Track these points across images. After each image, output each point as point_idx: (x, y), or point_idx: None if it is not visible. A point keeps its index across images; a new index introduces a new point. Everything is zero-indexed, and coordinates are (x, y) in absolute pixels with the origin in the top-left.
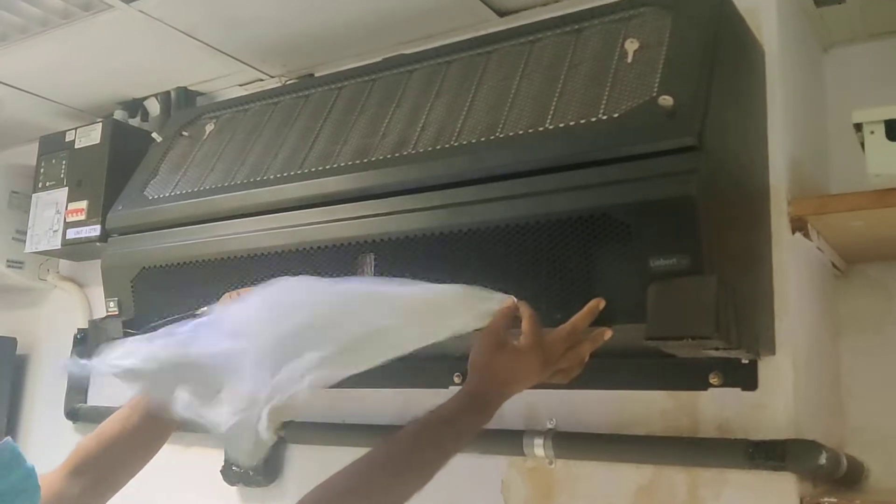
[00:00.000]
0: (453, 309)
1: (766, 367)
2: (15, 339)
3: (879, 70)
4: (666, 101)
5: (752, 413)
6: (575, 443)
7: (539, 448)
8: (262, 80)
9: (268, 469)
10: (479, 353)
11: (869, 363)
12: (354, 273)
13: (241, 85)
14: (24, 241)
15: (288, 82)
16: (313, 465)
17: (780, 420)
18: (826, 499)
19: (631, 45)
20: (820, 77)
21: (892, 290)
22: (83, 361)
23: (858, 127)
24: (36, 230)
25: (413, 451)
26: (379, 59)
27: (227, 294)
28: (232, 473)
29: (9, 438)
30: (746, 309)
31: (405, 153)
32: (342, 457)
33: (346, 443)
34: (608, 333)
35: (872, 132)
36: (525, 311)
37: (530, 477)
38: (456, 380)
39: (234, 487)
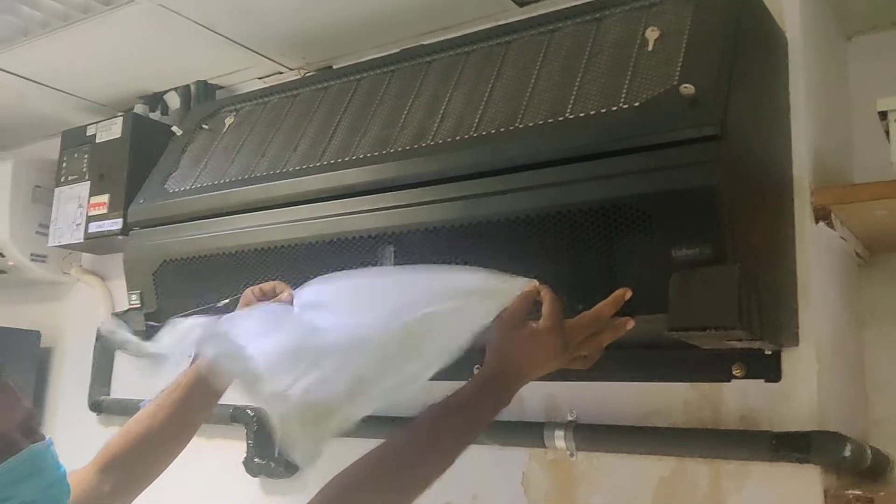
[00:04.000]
0: (474, 299)
1: (789, 359)
2: (39, 332)
3: None
4: (687, 89)
5: (776, 405)
6: (596, 435)
7: (560, 440)
8: (280, 72)
9: (289, 461)
10: (498, 334)
11: (893, 354)
12: (374, 265)
13: (259, 78)
14: (48, 236)
15: (307, 75)
16: (334, 456)
17: (804, 412)
18: (850, 491)
19: (652, 34)
20: (843, 65)
21: None
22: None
23: (883, 115)
24: (59, 224)
25: (432, 436)
26: (397, 50)
27: (248, 289)
28: (254, 465)
29: (48, 440)
30: (769, 299)
31: (424, 144)
32: (362, 448)
33: (366, 434)
34: (630, 324)
35: None
36: (546, 294)
37: (551, 469)
38: (475, 371)
39: (257, 479)
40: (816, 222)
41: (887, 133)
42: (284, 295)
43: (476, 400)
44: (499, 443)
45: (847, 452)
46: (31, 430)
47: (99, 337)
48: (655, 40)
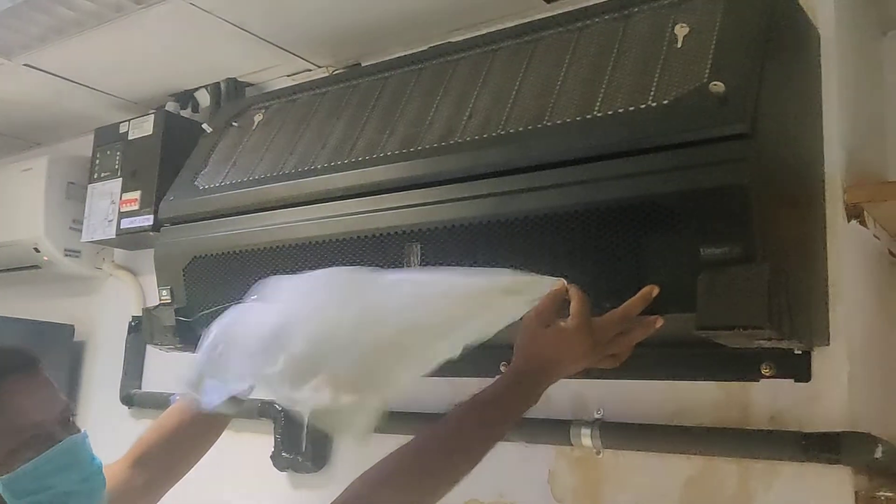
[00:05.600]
0: (503, 296)
1: (819, 358)
2: (72, 325)
3: None
4: (717, 87)
5: (806, 405)
6: (623, 433)
7: (587, 438)
8: (309, 70)
9: (317, 455)
10: (526, 333)
11: None
12: (401, 262)
13: (288, 75)
14: (81, 231)
15: (335, 72)
16: (361, 451)
17: (835, 412)
18: (882, 493)
19: (681, 31)
20: (877, 61)
21: None
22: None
23: None
24: (92, 220)
25: (460, 433)
26: (425, 47)
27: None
28: (282, 459)
29: (83, 432)
30: (800, 298)
31: (452, 142)
32: (389, 444)
33: (393, 430)
34: (660, 322)
35: None
36: (574, 293)
37: (577, 467)
38: (502, 368)
39: (284, 473)
40: (849, 220)
41: None
42: None
43: (504, 397)
44: (525, 440)
45: (878, 454)
46: (68, 422)
47: (130, 331)
48: (685, 37)
